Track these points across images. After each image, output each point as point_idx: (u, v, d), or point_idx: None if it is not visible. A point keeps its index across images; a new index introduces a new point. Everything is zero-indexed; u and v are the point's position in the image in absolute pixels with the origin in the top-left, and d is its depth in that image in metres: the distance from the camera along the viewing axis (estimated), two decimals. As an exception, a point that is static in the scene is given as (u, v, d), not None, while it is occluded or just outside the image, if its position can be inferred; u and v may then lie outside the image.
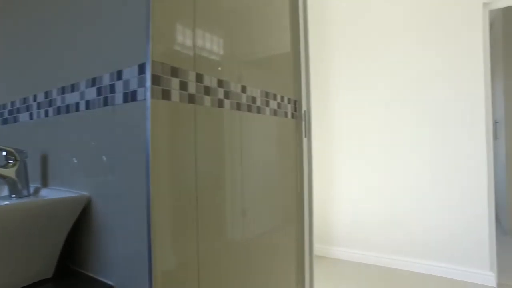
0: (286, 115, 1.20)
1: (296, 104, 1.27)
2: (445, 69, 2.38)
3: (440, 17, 2.40)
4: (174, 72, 0.76)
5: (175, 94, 0.76)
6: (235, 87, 0.95)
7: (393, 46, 2.57)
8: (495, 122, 3.83)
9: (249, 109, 1.00)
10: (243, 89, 0.98)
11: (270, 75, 1.13)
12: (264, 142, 1.07)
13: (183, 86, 0.78)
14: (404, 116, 2.53)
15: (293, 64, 1.27)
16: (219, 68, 0.90)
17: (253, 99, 1.03)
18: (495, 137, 3.83)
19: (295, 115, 1.26)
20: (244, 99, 0.98)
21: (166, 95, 0.74)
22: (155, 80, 0.71)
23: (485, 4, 2.29)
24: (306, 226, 1.28)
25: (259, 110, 1.05)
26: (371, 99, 2.67)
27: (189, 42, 0.81)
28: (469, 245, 2.28)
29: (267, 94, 1.09)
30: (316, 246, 2.89)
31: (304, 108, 1.29)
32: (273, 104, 1.12)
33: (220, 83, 0.90)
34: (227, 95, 0.92)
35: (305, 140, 1.28)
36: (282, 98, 1.17)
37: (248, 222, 0.99)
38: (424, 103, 2.45)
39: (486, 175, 2.22)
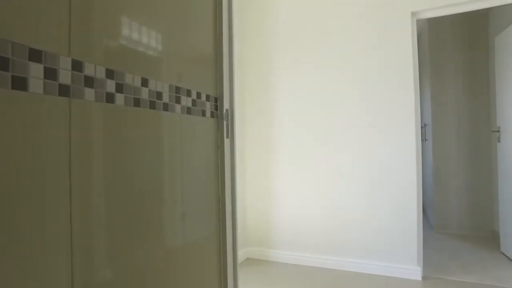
0: (203, 113, 1.08)
1: (217, 102, 1.16)
2: (379, 74, 2.45)
3: (374, 23, 2.47)
4: (35, 55, 0.60)
5: (36, 84, 0.60)
6: (132, 80, 0.81)
7: (330, 48, 2.60)
8: (424, 125, 4.12)
9: (151, 105, 0.87)
10: (144, 83, 0.85)
11: (183, 69, 1.00)
12: (170, 143, 0.95)
13: (51, 74, 0.63)
14: (340, 118, 2.57)
15: (215, 60, 1.16)
16: (110, 56, 0.76)
17: (158, 95, 0.89)
18: (424, 139, 4.11)
19: (216, 114, 1.15)
20: (145, 94, 0.85)
21: (20, 84, 0.58)
22: None
23: (413, 14, 2.40)
24: (228, 232, 1.18)
25: (166, 108, 0.92)
26: (309, 101, 2.67)
27: (64, 18, 0.65)
28: (399, 242, 2.37)
29: (177, 90, 0.96)
30: (257, 250, 2.83)
31: (226, 106, 1.18)
32: (186, 101, 1.00)
33: (110, 73, 0.75)
34: (120, 88, 0.78)
35: (227, 141, 1.18)
36: (198, 94, 1.06)
37: (159, 232, 0.85)
38: (360, 106, 2.51)
39: (415, 174, 2.32)
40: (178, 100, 0.96)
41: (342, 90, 2.59)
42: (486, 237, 3.36)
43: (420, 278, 2.32)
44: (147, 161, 0.85)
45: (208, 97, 1.11)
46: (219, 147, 1.16)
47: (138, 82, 0.83)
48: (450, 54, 3.59)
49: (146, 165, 0.85)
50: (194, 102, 1.03)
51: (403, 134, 2.39)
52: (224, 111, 1.17)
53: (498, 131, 2.86)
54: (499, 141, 2.87)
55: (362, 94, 2.52)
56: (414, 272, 2.34)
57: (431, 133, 3.73)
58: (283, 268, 2.64)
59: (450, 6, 2.30)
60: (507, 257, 2.75)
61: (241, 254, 2.81)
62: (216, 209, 1.14)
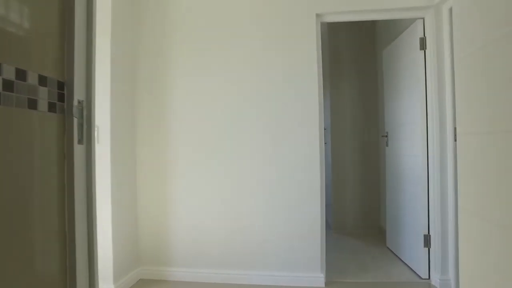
0: (32, 104, 0.70)
1: (65, 89, 0.78)
2: (283, 75, 2.34)
3: (279, 23, 2.35)
4: None
5: None
6: None
7: (233, 48, 2.38)
8: (324, 129, 4.29)
9: None
10: None
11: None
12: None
13: None
14: (242, 122, 2.37)
15: (60, 32, 0.78)
16: None
17: None
18: (324, 142, 4.28)
19: (61, 106, 0.78)
20: None
21: None
22: None
23: (318, 16, 2.36)
24: (81, 275, 0.82)
25: None
26: (210, 103, 2.41)
27: None
28: (302, 251, 2.29)
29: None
30: (151, 269, 2.42)
31: (79, 97, 0.81)
32: (-10, 83, 0.60)
33: None
34: None
35: (79, 148, 0.81)
36: (20, 73, 0.67)
37: None
38: (264, 109, 2.35)
39: (319, 179, 2.27)
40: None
41: (245, 92, 2.39)
42: (375, 233, 3.63)
43: (323, 285, 2.28)
44: None
45: (43, 80, 0.72)
46: (66, 156, 0.78)
47: None
48: (346, 63, 3.79)
49: None
50: (9, 86, 0.63)
51: (307, 138, 2.32)
52: (75, 103, 0.80)
53: (387, 136, 3.08)
54: (387, 145, 3.09)
55: (266, 96, 2.37)
56: (318, 279, 2.28)
57: (329, 136, 3.88)
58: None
59: (352, 12, 2.33)
60: (392, 251, 2.97)
61: (133, 276, 2.36)
62: (58, 247, 0.76)
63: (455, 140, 2.16)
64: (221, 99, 2.42)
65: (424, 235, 2.34)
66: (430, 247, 2.32)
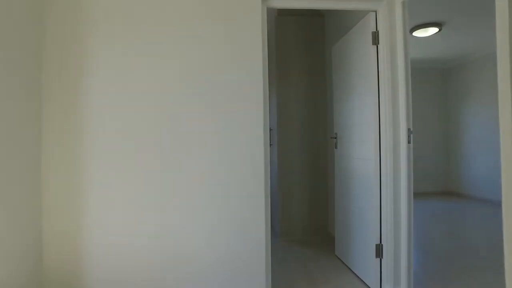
0: None
1: None
2: (225, 69, 2.00)
3: (221, 11, 2.00)
4: None
5: None
6: None
7: (167, 39, 1.98)
8: (270, 130, 4.05)
9: None
10: None
11: None
12: None
13: None
14: (174, 123, 1.98)
15: None
16: None
17: None
18: (270, 144, 4.03)
19: None
20: None
21: None
22: None
23: (263, 0, 2.07)
24: None
25: None
26: (138, 101, 1.97)
27: None
28: (245, 270, 1.97)
29: None
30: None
31: None
32: None
33: None
34: None
35: None
36: None
37: None
38: (196, 106, 1.99)
39: (263, 181, 1.98)
40: None
41: (179, 89, 2.00)
42: (324, 240, 3.46)
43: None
44: None
45: None
46: None
47: None
48: (294, 60, 3.58)
49: None
50: None
51: (254, 139, 2.01)
52: None
53: (336, 138, 2.91)
54: (336, 147, 2.92)
55: (203, 93, 2.00)
56: (262, 299, 1.98)
57: (276, 138, 3.64)
58: (93, 331, 1.82)
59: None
60: (341, 260, 2.80)
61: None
62: None
63: (409, 143, 2.02)
64: (149, 101, 1.99)
65: (376, 245, 2.17)
66: (382, 257, 2.16)
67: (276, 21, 3.57)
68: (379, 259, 2.17)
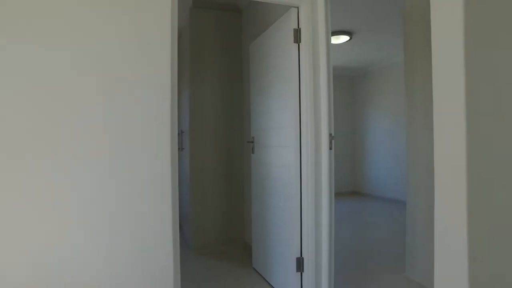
0: None
1: None
2: (127, 65, 1.58)
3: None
4: None
5: None
6: None
7: (60, 24, 1.46)
8: (181, 132, 3.65)
9: None
10: None
11: None
12: None
13: None
14: (65, 128, 1.48)
15: None
16: None
17: None
18: (181, 148, 3.64)
19: None
20: None
21: None
22: None
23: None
24: None
25: None
26: (18, 100, 1.40)
27: None
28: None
29: None
30: None
31: None
32: None
33: None
34: None
35: None
36: None
37: None
38: (97, 113, 1.53)
39: (170, 190, 1.62)
40: None
41: (73, 84, 1.51)
42: (240, 250, 3.22)
43: None
44: None
45: None
46: None
47: None
48: (210, 57, 3.27)
49: None
50: None
51: (159, 145, 1.63)
52: None
53: (253, 142, 2.70)
54: (253, 152, 2.72)
55: (101, 89, 1.55)
56: None
57: (188, 141, 3.28)
58: None
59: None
60: (259, 273, 2.61)
61: None
62: None
63: (331, 149, 1.90)
64: (34, 99, 1.44)
65: (297, 258, 2.02)
66: (303, 271, 2.01)
67: (191, 13, 3.22)
68: (299, 273, 2.02)
